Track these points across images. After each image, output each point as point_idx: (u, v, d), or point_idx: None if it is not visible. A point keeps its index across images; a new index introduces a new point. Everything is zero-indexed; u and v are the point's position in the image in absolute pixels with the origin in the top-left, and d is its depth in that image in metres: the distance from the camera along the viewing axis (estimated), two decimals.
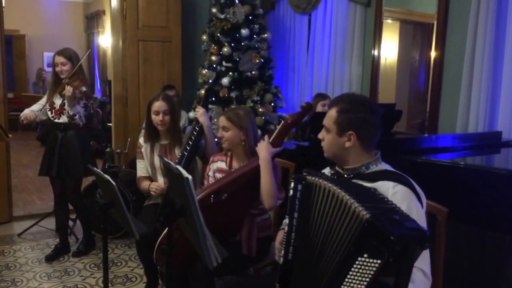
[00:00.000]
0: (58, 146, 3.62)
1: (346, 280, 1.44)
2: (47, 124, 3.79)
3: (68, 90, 3.44)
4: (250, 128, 2.60)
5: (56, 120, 3.64)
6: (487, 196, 2.42)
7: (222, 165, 2.70)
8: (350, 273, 1.44)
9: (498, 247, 2.46)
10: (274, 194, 2.39)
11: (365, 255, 1.41)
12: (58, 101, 3.62)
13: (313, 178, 1.69)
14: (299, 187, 1.72)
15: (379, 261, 1.37)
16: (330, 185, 1.60)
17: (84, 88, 3.55)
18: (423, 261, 1.63)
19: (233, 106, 2.79)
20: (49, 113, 3.66)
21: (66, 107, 3.56)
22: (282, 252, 1.76)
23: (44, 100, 3.73)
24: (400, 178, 1.76)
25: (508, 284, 2.41)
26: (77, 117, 3.58)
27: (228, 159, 2.68)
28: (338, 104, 1.82)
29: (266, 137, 2.51)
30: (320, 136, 1.90)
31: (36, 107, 3.71)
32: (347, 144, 1.79)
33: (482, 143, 3.42)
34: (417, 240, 1.40)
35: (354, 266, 1.43)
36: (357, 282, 1.42)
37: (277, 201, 2.44)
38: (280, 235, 1.98)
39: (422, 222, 1.69)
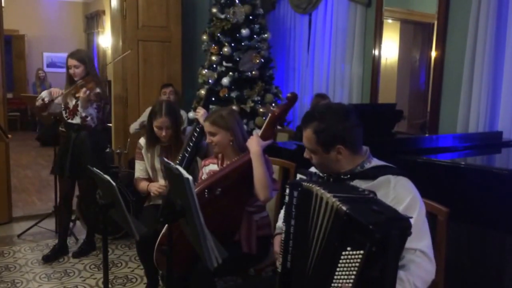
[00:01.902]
0: (71, 146, 3.64)
1: (335, 278, 1.45)
2: (49, 124, 3.80)
3: (84, 92, 3.46)
4: (236, 126, 2.60)
5: (70, 121, 3.66)
6: (488, 196, 2.41)
7: (214, 167, 2.70)
8: (338, 269, 1.44)
9: (499, 247, 2.46)
10: (268, 185, 2.38)
11: (349, 248, 1.41)
12: (71, 102, 3.64)
13: (309, 184, 1.66)
14: (295, 193, 1.69)
15: (361, 252, 1.38)
16: (322, 191, 1.58)
17: (98, 90, 3.58)
18: (422, 242, 1.64)
19: (214, 109, 2.78)
20: (63, 112, 3.69)
21: (79, 108, 3.58)
22: (281, 259, 1.74)
23: (60, 99, 3.72)
24: (397, 170, 1.77)
25: (510, 284, 2.40)
26: (89, 118, 3.60)
27: (219, 161, 2.69)
28: (311, 124, 1.77)
29: (255, 131, 2.51)
30: (306, 156, 1.86)
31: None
32: (339, 156, 1.77)
33: (483, 143, 3.42)
34: (397, 228, 1.40)
35: (340, 261, 1.43)
36: (345, 277, 1.42)
37: (272, 192, 2.43)
38: (277, 241, 1.96)
39: (423, 210, 1.71)
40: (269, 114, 2.53)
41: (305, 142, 1.82)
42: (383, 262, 1.39)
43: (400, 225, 1.41)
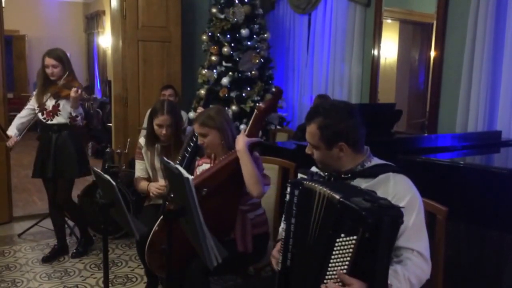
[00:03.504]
0: (53, 148, 3.58)
1: (330, 266, 1.48)
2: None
3: (75, 91, 3.39)
4: (225, 125, 2.58)
5: (49, 122, 3.58)
6: (486, 195, 2.42)
7: (207, 167, 2.69)
8: (332, 257, 1.47)
9: (498, 246, 2.46)
10: (259, 180, 2.37)
11: (342, 235, 1.45)
12: (50, 103, 3.55)
13: (310, 183, 1.67)
14: (296, 192, 1.70)
15: (355, 237, 1.41)
16: (325, 189, 1.59)
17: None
18: (420, 243, 1.66)
19: (202, 110, 2.75)
20: (39, 114, 3.59)
21: (64, 108, 3.53)
22: (280, 258, 1.75)
23: (32, 102, 3.65)
24: (398, 168, 1.79)
25: (508, 283, 2.41)
26: (79, 118, 3.55)
27: (212, 161, 2.68)
28: (316, 120, 1.78)
29: (242, 129, 2.51)
30: (308, 151, 1.87)
31: (25, 112, 3.66)
32: (341, 154, 1.78)
33: (482, 142, 3.42)
34: (389, 215, 1.43)
35: (335, 249, 1.46)
36: (340, 264, 1.45)
37: (265, 187, 2.43)
38: (278, 246, 1.94)
39: (422, 210, 1.73)
40: (255, 111, 2.48)
41: (308, 137, 1.83)
42: (375, 249, 1.42)
43: (392, 213, 1.44)
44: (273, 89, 2.45)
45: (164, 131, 2.98)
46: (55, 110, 3.56)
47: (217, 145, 2.58)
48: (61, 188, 3.70)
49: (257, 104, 2.51)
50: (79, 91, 3.41)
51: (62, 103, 3.55)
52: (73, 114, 3.51)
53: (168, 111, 2.97)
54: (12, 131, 3.61)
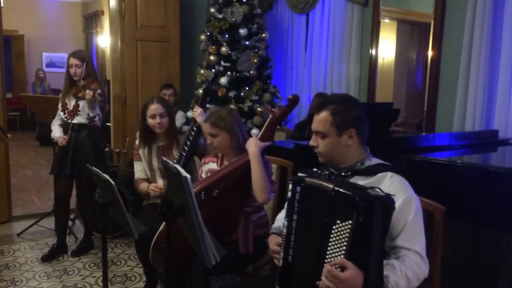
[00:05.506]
0: (71, 146, 3.66)
1: (328, 254, 1.51)
2: (49, 123, 3.80)
3: (89, 93, 3.48)
4: (236, 127, 2.60)
5: (69, 121, 3.67)
6: (484, 194, 2.43)
7: (214, 166, 2.70)
8: (330, 245, 1.51)
9: (495, 245, 2.48)
10: (266, 187, 2.38)
11: (338, 221, 1.50)
12: (71, 102, 3.66)
13: (312, 179, 1.69)
14: (298, 189, 1.72)
15: (350, 222, 1.46)
16: (319, 181, 1.64)
17: (99, 90, 3.60)
18: (418, 244, 1.68)
19: (213, 110, 2.73)
20: (61, 113, 3.69)
21: (84, 108, 3.61)
22: (282, 254, 1.76)
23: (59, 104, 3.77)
24: (394, 169, 1.82)
25: (505, 281, 2.42)
26: (97, 118, 3.64)
27: (219, 160, 2.69)
28: (329, 107, 1.82)
29: (254, 132, 2.51)
30: (313, 143, 1.88)
31: (58, 117, 3.77)
32: (349, 142, 1.80)
33: (479, 141, 3.44)
34: (381, 201, 1.48)
35: (331, 236, 1.51)
36: (337, 251, 1.49)
37: (270, 194, 2.44)
38: (273, 240, 1.96)
39: (420, 211, 1.74)
40: (270, 116, 2.52)
41: (318, 125, 1.84)
42: (370, 234, 1.46)
43: (383, 198, 1.50)
44: (290, 97, 2.46)
45: (158, 121, 3.00)
46: (75, 110, 3.66)
47: (227, 147, 2.59)
48: (81, 187, 3.82)
49: (272, 110, 2.52)
50: (92, 93, 3.49)
51: (81, 103, 3.64)
52: (91, 115, 3.62)
53: (158, 100, 3.07)
54: (56, 132, 3.72)
